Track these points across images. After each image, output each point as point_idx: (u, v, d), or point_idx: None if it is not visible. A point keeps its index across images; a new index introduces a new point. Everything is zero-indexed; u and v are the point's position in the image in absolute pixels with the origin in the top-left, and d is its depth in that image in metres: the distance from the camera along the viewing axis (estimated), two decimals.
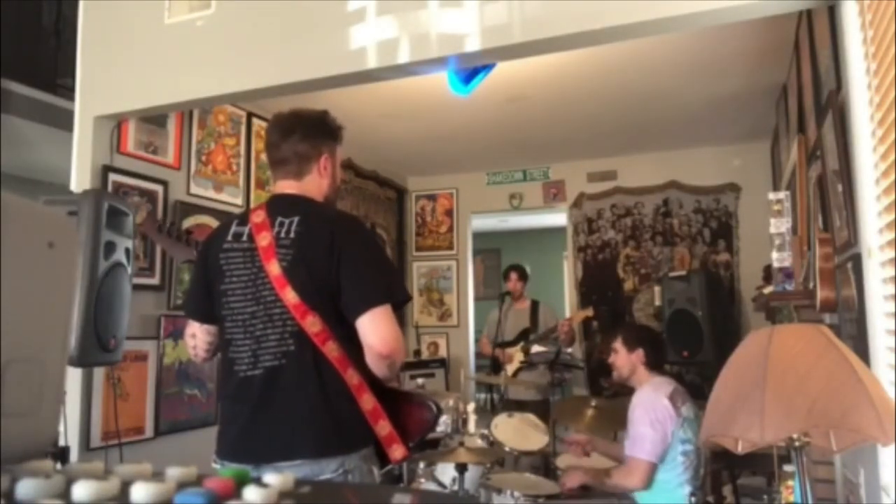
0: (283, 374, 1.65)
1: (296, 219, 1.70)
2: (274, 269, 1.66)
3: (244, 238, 1.74)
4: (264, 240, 1.69)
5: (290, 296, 1.64)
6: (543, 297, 5.33)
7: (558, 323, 4.86)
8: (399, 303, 1.72)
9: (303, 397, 1.63)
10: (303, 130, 1.81)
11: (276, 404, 1.64)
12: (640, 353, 2.81)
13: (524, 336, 4.92)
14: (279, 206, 1.77)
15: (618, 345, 2.88)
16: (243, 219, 1.80)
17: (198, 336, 1.85)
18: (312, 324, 1.63)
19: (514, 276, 5.08)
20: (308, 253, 1.66)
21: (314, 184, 1.82)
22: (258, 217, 1.75)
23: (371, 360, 1.64)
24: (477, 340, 5.77)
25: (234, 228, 1.78)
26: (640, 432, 2.61)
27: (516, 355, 4.87)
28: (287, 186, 1.81)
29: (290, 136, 1.80)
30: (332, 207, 1.88)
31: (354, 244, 1.69)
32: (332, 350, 1.63)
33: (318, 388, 1.62)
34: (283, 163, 1.81)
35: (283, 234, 1.69)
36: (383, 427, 1.66)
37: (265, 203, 1.82)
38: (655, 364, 2.83)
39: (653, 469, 2.59)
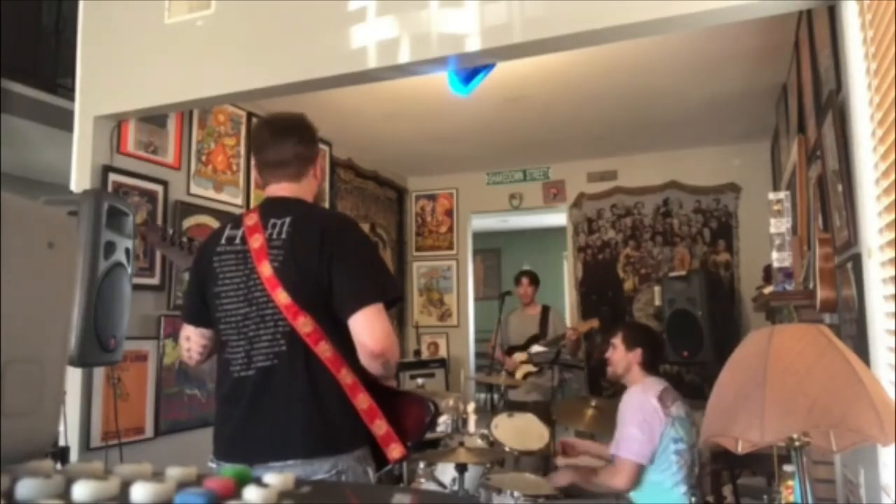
0: (274, 374, 1.65)
1: (287, 220, 1.71)
2: (265, 270, 1.67)
3: (237, 241, 1.75)
4: (256, 241, 1.70)
5: (281, 296, 1.64)
6: (543, 297, 5.32)
7: (566, 331, 4.85)
8: (391, 301, 1.72)
9: (294, 397, 1.63)
10: (300, 133, 1.83)
11: (267, 404, 1.65)
12: (638, 353, 2.80)
13: (532, 342, 4.91)
14: (272, 208, 1.77)
15: (617, 341, 2.87)
16: (237, 222, 1.81)
17: (192, 339, 1.86)
18: (304, 324, 1.63)
19: (525, 281, 5.06)
20: (299, 253, 1.66)
21: (309, 185, 1.85)
22: (251, 220, 1.76)
23: (364, 359, 1.64)
24: (484, 341, 5.76)
25: (227, 232, 1.80)
26: (628, 433, 2.62)
27: (522, 363, 4.85)
28: (282, 189, 1.81)
29: (288, 138, 1.80)
30: (323, 207, 1.89)
31: (345, 243, 1.69)
32: (324, 350, 1.63)
33: (309, 389, 1.63)
34: (283, 164, 1.80)
35: (274, 236, 1.70)
36: (380, 426, 1.65)
37: (259, 206, 1.83)
38: (651, 365, 2.83)
39: (639, 470, 2.60)
